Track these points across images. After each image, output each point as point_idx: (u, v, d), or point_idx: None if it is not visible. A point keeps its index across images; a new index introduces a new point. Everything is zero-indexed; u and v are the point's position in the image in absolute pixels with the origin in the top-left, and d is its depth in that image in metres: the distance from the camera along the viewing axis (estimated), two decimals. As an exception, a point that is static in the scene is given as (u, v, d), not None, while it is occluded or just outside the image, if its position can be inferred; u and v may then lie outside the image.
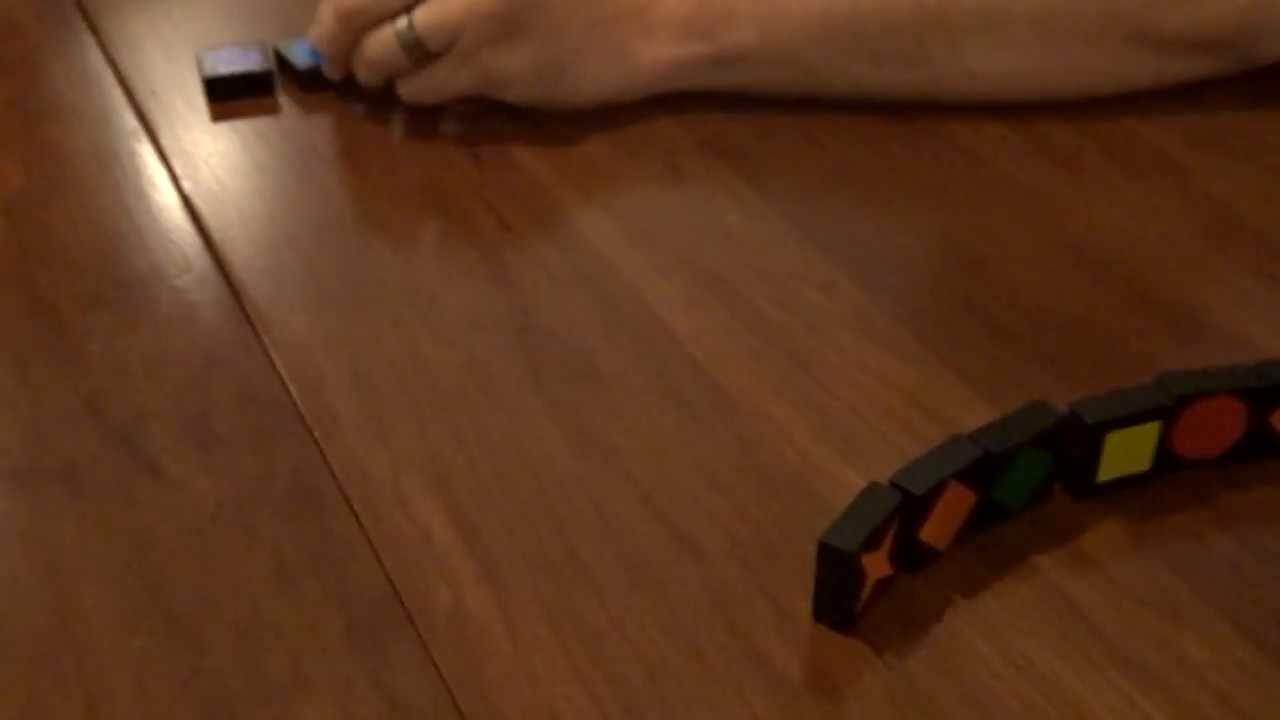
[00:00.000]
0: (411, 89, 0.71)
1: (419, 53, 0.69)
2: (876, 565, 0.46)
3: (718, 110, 0.73)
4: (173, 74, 0.77)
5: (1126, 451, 0.50)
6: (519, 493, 0.52)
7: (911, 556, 0.48)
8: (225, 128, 0.73)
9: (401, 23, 0.68)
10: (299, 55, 0.75)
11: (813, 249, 0.64)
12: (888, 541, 0.46)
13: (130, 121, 0.74)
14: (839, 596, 0.46)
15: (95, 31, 0.81)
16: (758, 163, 0.70)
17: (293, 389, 0.56)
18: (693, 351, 0.58)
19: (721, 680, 0.45)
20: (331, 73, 0.74)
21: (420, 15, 0.68)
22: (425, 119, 0.73)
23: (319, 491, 0.52)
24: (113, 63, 0.79)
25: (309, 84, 0.75)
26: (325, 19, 0.71)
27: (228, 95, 0.75)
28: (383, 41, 0.69)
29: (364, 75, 0.72)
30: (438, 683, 0.45)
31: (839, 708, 0.44)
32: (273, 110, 0.74)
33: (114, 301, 0.61)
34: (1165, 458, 0.51)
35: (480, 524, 0.50)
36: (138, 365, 0.58)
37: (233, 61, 0.75)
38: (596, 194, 0.68)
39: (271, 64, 0.75)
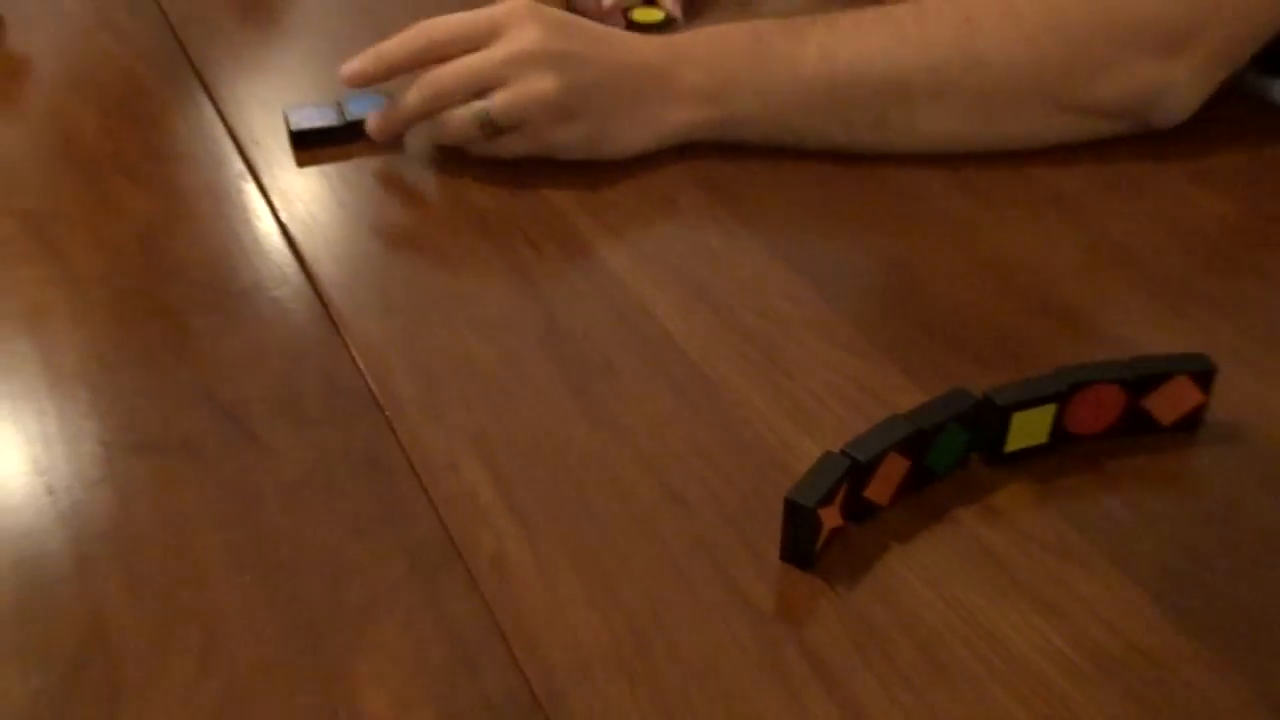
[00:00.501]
0: (481, 151, 0.71)
1: (491, 130, 0.69)
2: (831, 517, 0.47)
3: (706, 157, 0.73)
4: (270, 127, 0.77)
5: (1029, 428, 0.51)
6: (546, 460, 0.52)
7: (858, 511, 0.48)
8: (313, 170, 0.73)
9: (479, 106, 0.68)
10: (355, 109, 0.75)
11: (781, 266, 0.64)
12: (840, 498, 0.47)
13: (237, 165, 0.74)
14: (801, 542, 0.46)
15: (209, 93, 0.82)
16: (738, 198, 0.70)
17: (367, 377, 0.57)
18: (685, 349, 0.58)
19: (707, 608, 0.45)
20: (383, 134, 0.73)
21: (498, 102, 0.68)
22: (470, 164, 0.73)
23: (388, 459, 0.52)
24: (223, 118, 0.79)
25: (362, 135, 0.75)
26: (413, 98, 0.70)
27: (312, 145, 0.75)
28: (462, 119, 0.69)
29: (441, 141, 0.72)
30: (483, 610, 0.45)
31: (800, 630, 0.45)
32: (349, 156, 0.74)
33: (225, 308, 0.61)
34: (1059, 433, 0.52)
35: (516, 485, 0.51)
36: (243, 359, 0.58)
37: (315, 118, 0.75)
38: (608, 222, 0.68)
39: (347, 118, 0.75)
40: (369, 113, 0.74)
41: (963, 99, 0.69)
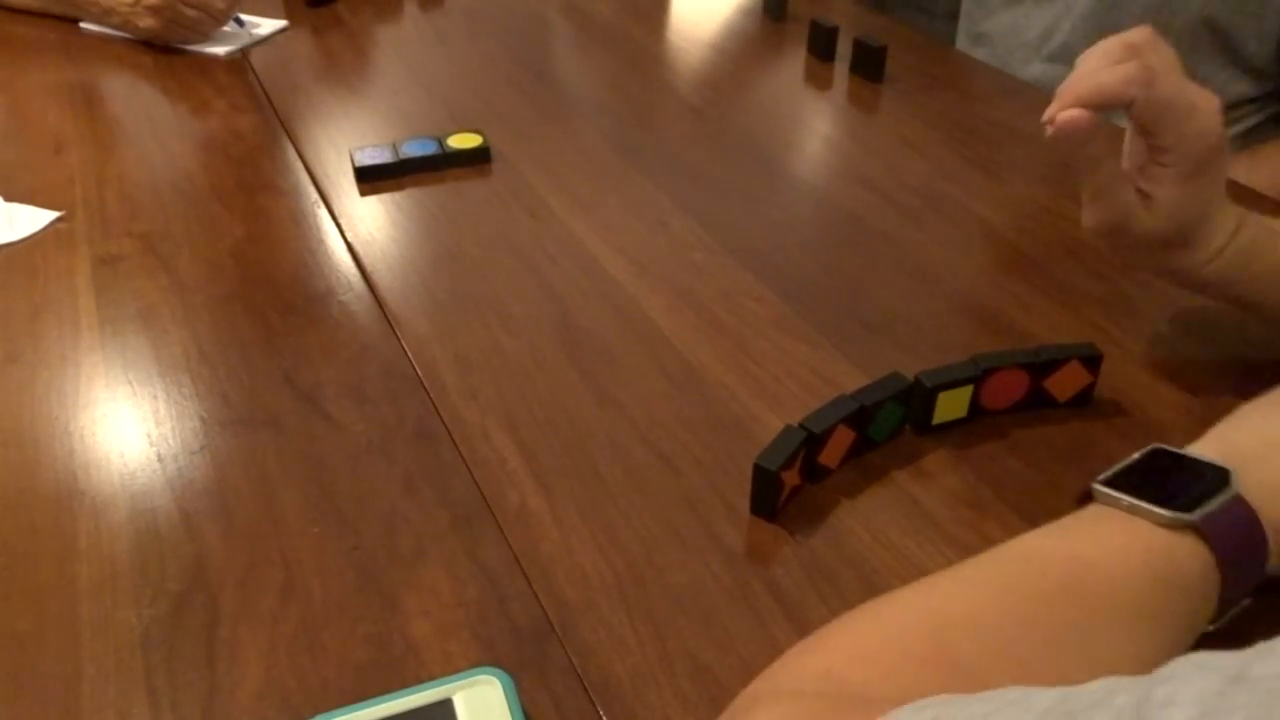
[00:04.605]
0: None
1: None
2: (791, 478, 0.46)
3: (690, 189, 0.72)
4: (339, 164, 0.77)
5: (951, 404, 0.50)
6: (561, 431, 0.52)
7: (813, 473, 0.48)
8: (373, 199, 0.72)
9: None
10: (406, 150, 0.75)
11: (749, 274, 0.63)
12: (798, 463, 0.47)
13: (312, 194, 0.73)
14: (767, 498, 0.46)
15: (290, 137, 0.81)
16: (715, 220, 0.69)
17: (417, 366, 0.56)
18: (673, 341, 0.58)
19: (691, 551, 0.45)
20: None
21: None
22: (502, 195, 0.72)
23: (433, 432, 0.52)
24: (301, 157, 0.78)
25: (418, 169, 0.74)
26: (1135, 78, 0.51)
27: (372, 179, 0.74)
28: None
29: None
30: (510, 555, 0.45)
31: (766, 568, 0.44)
32: (402, 188, 0.74)
33: (303, 310, 0.61)
34: (976, 408, 0.51)
35: (537, 452, 0.50)
36: (317, 350, 0.57)
37: (374, 157, 0.75)
38: (612, 240, 0.67)
39: (400, 157, 0.74)
40: (426, 151, 0.74)
41: None
